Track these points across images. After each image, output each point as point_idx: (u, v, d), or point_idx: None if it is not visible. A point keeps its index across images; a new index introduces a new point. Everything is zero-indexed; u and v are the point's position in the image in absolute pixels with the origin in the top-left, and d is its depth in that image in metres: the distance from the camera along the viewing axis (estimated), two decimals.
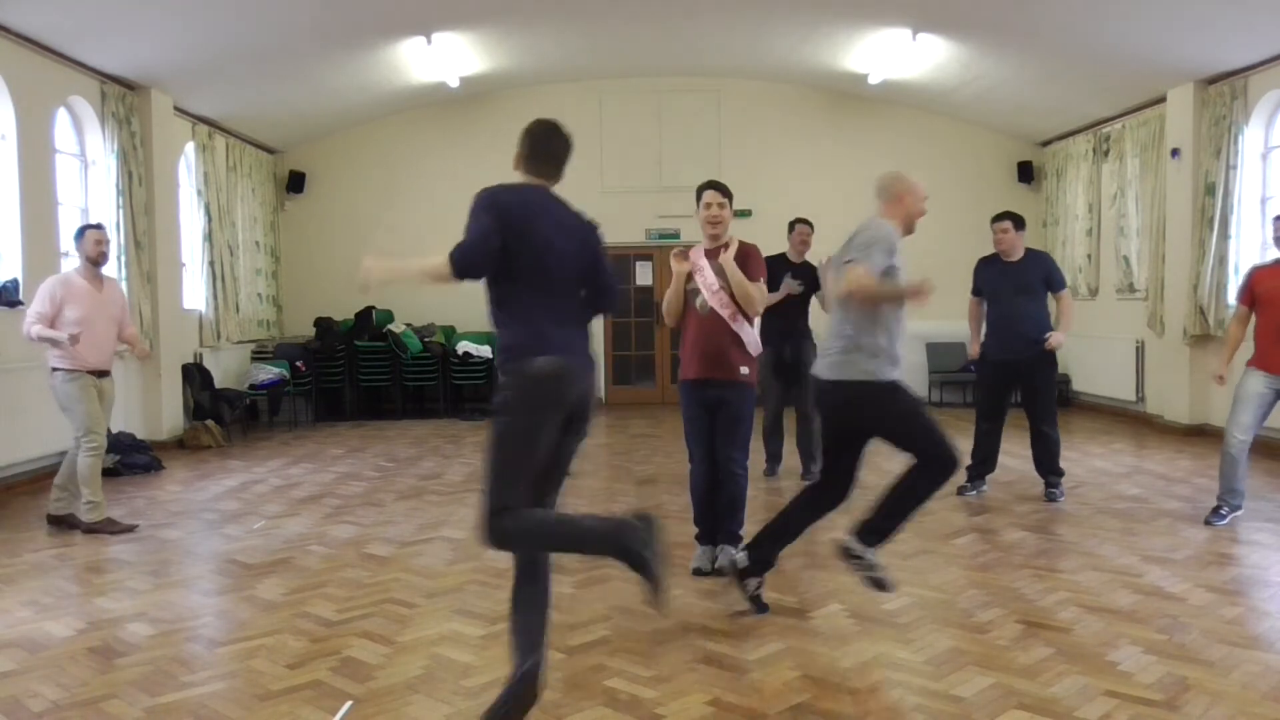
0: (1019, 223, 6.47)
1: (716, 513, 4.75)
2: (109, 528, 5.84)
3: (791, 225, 7.32)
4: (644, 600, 3.43)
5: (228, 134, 10.94)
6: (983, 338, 6.60)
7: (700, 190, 4.81)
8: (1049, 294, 6.46)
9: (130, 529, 5.92)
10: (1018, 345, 6.30)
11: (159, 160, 9.16)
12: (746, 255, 4.70)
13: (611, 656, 3.66)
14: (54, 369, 5.76)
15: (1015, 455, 6.86)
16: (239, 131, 11.19)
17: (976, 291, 6.66)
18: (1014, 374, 6.39)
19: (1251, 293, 5.64)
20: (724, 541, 4.73)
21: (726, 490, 4.68)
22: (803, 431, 7.29)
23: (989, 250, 6.63)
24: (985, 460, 6.58)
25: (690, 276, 4.70)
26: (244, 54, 9.12)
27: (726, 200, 4.75)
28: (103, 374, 5.92)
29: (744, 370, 4.66)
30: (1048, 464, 6.40)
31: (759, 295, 4.66)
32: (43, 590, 4.64)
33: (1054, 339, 6.29)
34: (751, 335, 4.69)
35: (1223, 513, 5.63)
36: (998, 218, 6.54)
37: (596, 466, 8.04)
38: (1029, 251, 6.52)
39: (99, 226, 6.07)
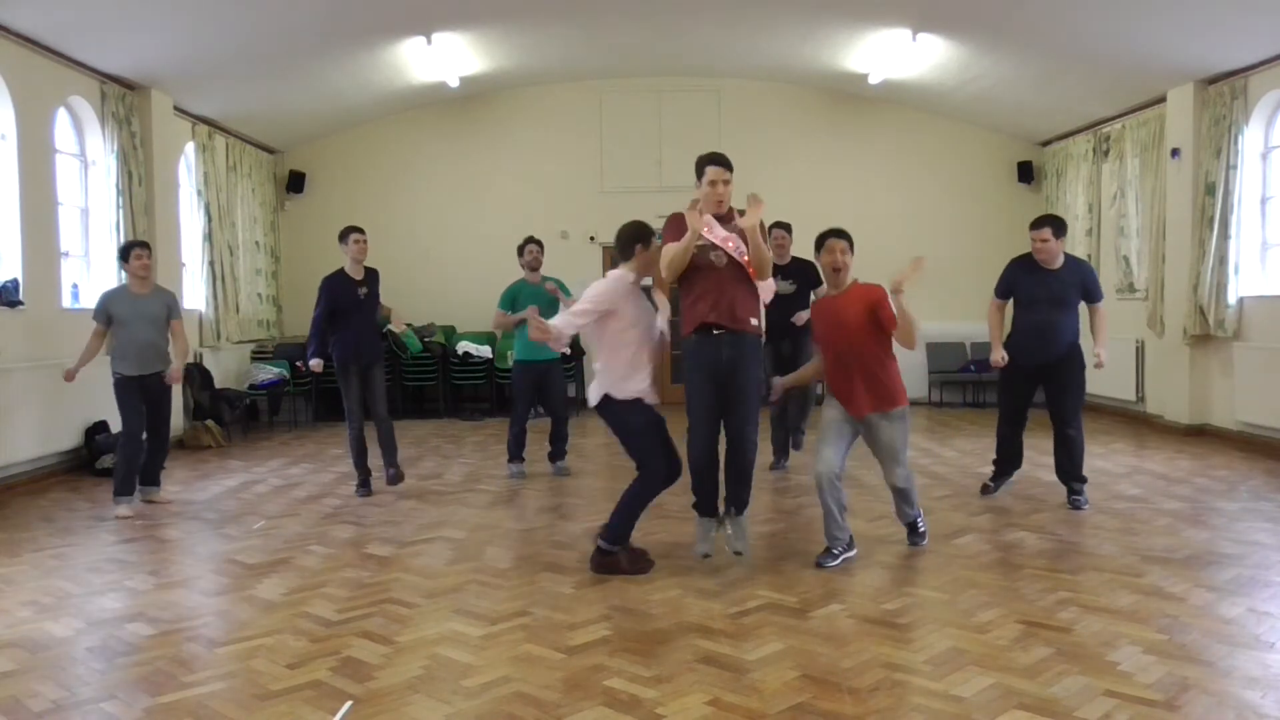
0: (1059, 229, 5.96)
1: (717, 484, 4.77)
2: None
3: (769, 230, 7.28)
4: None
5: (228, 134, 10.94)
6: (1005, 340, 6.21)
7: (702, 165, 4.69)
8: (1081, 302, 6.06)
9: None
10: (1048, 354, 5.99)
11: (159, 160, 9.16)
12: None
13: (611, 656, 3.65)
14: None
15: None
16: (239, 131, 11.19)
17: (1004, 295, 6.19)
18: (1041, 376, 6.11)
19: None
20: (733, 505, 4.76)
21: (738, 462, 4.72)
22: (785, 420, 7.51)
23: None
24: (1011, 459, 6.41)
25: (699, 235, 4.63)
26: (244, 54, 9.12)
27: (731, 175, 4.75)
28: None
29: (754, 321, 4.69)
30: (1070, 470, 6.10)
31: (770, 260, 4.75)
32: (43, 590, 4.64)
33: (1102, 358, 5.91)
34: (758, 288, 4.73)
35: None
36: (1037, 224, 6.01)
37: (597, 467, 8.04)
38: (1069, 259, 6.07)
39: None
